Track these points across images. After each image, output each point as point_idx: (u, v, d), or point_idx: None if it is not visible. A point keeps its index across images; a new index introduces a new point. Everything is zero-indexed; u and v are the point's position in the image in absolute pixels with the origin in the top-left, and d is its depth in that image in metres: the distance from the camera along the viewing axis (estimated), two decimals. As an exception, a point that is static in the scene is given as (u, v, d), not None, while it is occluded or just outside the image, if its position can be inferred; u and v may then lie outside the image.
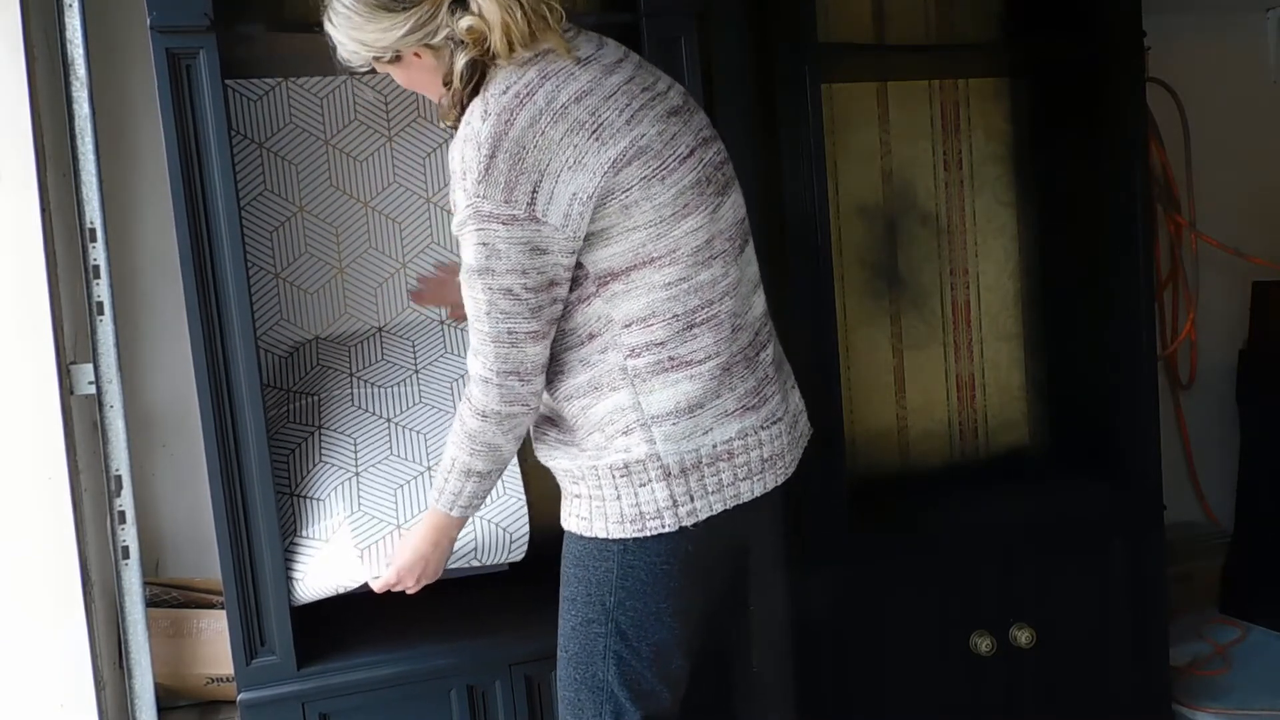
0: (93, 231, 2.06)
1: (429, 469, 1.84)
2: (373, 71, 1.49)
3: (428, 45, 1.40)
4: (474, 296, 1.41)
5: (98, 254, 2.06)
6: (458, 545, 1.76)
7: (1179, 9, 2.77)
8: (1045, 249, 2.52)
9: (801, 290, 2.10)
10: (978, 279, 2.51)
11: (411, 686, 1.81)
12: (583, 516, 1.49)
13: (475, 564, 1.84)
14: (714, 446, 1.44)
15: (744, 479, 1.47)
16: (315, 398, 1.96)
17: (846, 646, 2.12)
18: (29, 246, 2.07)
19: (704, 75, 1.94)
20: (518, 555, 1.85)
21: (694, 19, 1.92)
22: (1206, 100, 2.92)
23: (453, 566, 1.99)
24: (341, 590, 1.79)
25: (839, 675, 2.12)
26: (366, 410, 1.94)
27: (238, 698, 1.77)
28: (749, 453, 1.47)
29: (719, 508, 1.45)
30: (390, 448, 1.88)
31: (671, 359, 1.42)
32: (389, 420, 1.92)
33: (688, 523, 1.44)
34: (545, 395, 1.51)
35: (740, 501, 1.47)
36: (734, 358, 1.46)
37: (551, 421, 1.53)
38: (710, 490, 1.45)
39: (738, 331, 1.47)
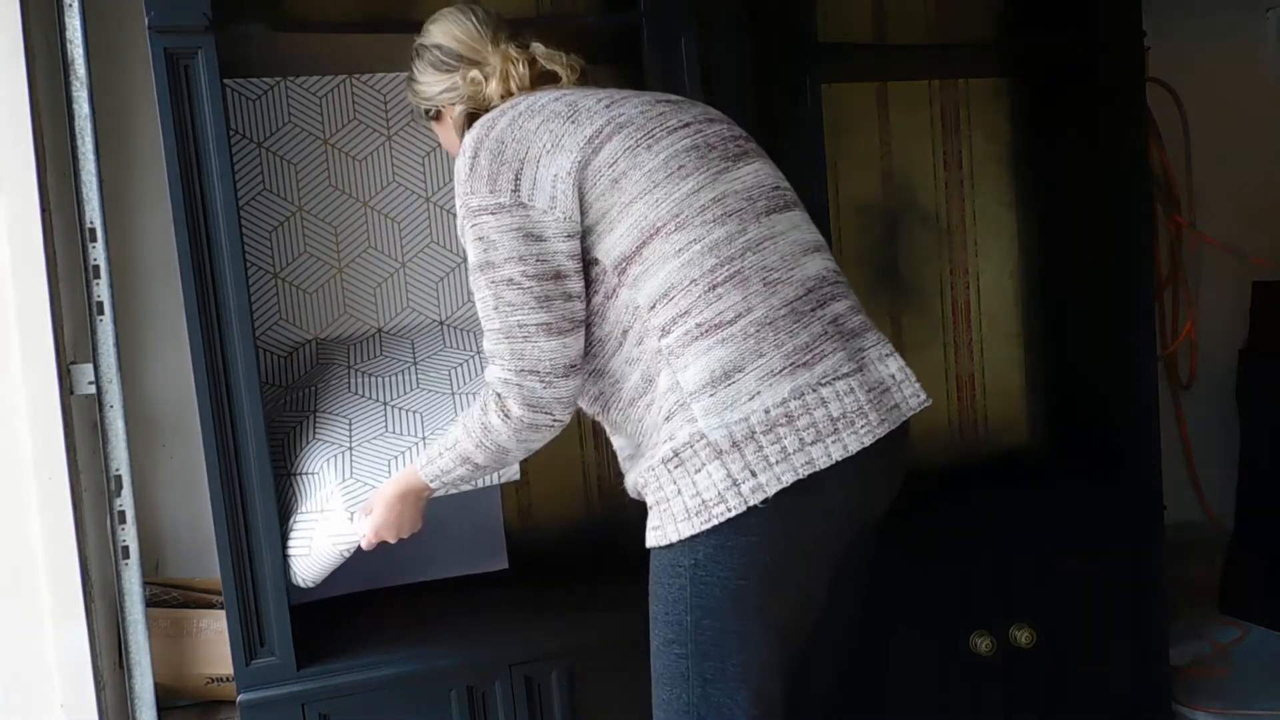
0: (93, 231, 2.06)
1: (424, 439, 1.82)
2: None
3: (454, 105, 1.58)
4: (481, 296, 1.41)
5: (98, 254, 2.06)
6: None
7: (1179, 9, 2.76)
8: (1045, 249, 2.52)
9: (801, 290, 2.09)
10: (978, 279, 2.51)
11: (411, 687, 1.81)
12: (655, 527, 1.38)
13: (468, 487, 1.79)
14: (766, 412, 1.30)
15: (813, 443, 1.30)
16: (312, 388, 1.95)
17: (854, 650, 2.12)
18: (29, 246, 2.07)
19: (704, 75, 1.94)
20: (512, 476, 1.78)
21: (694, 19, 1.92)
22: (1206, 100, 2.92)
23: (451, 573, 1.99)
24: (345, 553, 1.75)
25: (838, 674, 2.12)
26: (363, 395, 1.93)
27: (237, 698, 1.77)
28: (811, 413, 1.31)
29: (789, 478, 1.29)
30: (385, 426, 1.86)
31: (699, 326, 1.33)
32: (385, 404, 1.91)
33: (754, 500, 1.29)
34: (614, 415, 1.46)
35: (815, 469, 1.30)
36: (775, 311, 1.34)
37: (628, 447, 1.49)
38: (774, 461, 1.29)
39: (773, 286, 1.35)
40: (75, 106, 2.04)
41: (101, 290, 2.06)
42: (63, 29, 2.02)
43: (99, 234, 2.06)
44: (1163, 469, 2.31)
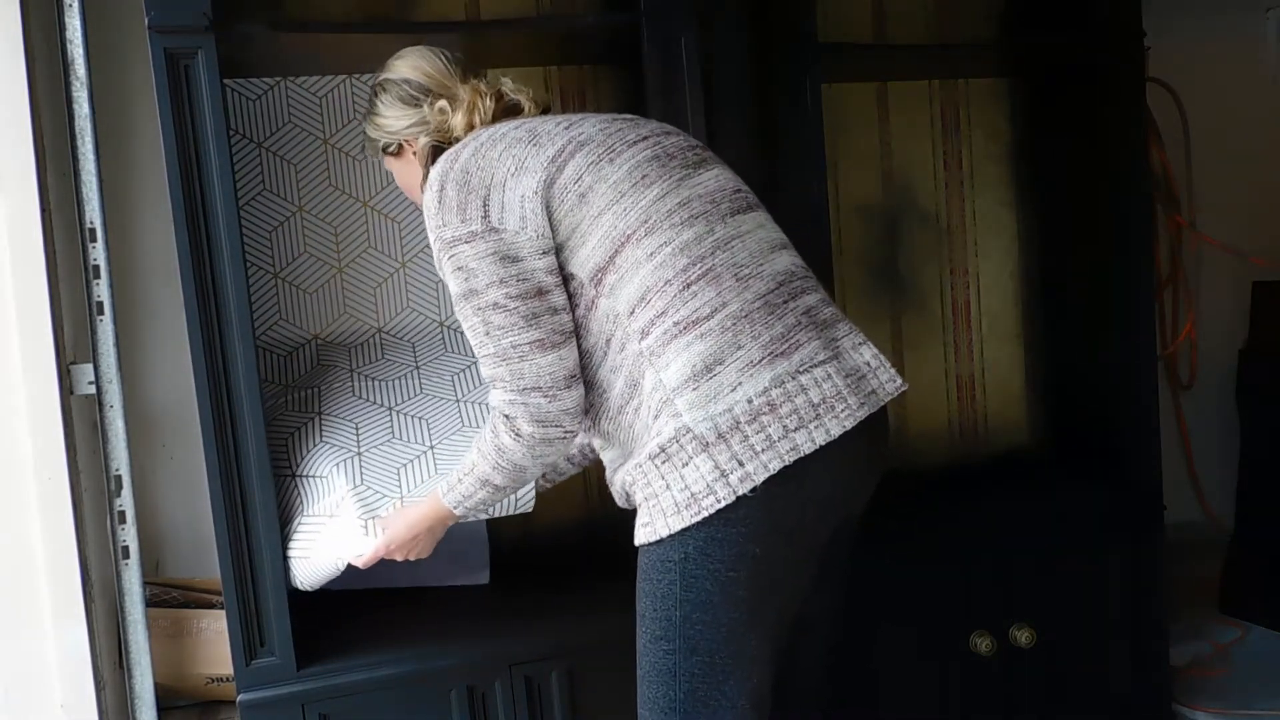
0: (93, 231, 2.06)
1: (432, 448, 1.83)
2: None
3: (418, 138, 1.60)
4: (470, 325, 1.43)
5: (98, 254, 2.06)
6: None
7: (1179, 9, 2.76)
8: (1045, 249, 2.52)
9: (801, 290, 2.09)
10: (978, 279, 2.51)
11: (411, 687, 1.81)
12: (644, 524, 1.39)
13: (489, 513, 1.82)
14: (749, 402, 1.33)
15: (796, 429, 1.33)
16: (315, 389, 1.95)
17: (845, 646, 2.12)
18: (29, 246, 2.07)
19: (704, 76, 1.94)
20: (526, 507, 1.83)
21: (694, 19, 1.92)
22: (1206, 100, 2.92)
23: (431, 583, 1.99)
24: (341, 566, 1.76)
25: (838, 674, 2.12)
26: (367, 400, 1.93)
27: (237, 698, 1.77)
28: (793, 400, 1.34)
29: (776, 466, 1.31)
30: (392, 432, 1.86)
31: (677, 324, 1.36)
32: (390, 409, 1.91)
33: (743, 490, 1.31)
34: (605, 425, 1.47)
35: (800, 454, 1.33)
36: (750, 304, 1.37)
37: (619, 458, 1.49)
38: (760, 449, 1.32)
39: (746, 280, 1.39)
40: (75, 106, 2.04)
41: (101, 290, 2.06)
42: (63, 29, 2.02)
43: (99, 234, 2.06)
44: (1163, 469, 2.31)
